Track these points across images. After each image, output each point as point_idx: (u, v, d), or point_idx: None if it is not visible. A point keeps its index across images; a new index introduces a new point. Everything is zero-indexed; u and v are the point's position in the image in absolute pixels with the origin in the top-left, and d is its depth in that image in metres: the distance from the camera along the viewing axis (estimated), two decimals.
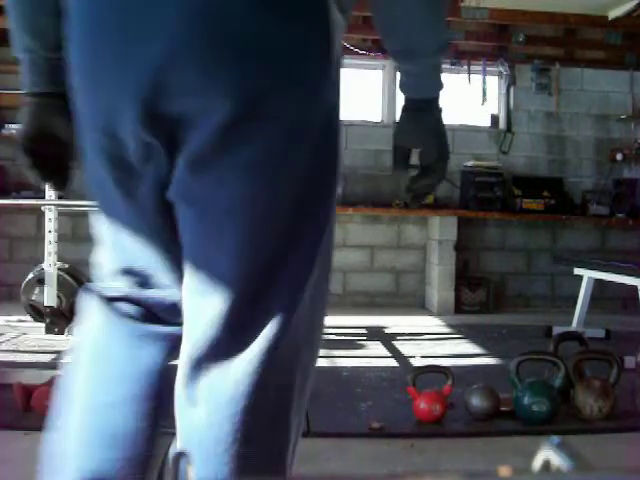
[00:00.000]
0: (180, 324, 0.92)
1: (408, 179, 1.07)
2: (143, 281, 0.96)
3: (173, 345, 0.93)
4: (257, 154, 0.83)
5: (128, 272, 0.96)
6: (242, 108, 0.81)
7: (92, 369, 0.94)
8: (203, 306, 0.87)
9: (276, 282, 0.87)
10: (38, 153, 1.04)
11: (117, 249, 0.97)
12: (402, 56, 1.00)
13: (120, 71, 0.83)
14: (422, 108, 1.02)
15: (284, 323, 0.86)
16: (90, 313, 0.97)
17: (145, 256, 0.94)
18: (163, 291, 0.95)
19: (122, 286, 0.97)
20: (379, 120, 5.62)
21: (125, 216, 0.93)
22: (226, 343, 0.86)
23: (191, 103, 0.82)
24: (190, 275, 0.89)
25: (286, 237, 0.87)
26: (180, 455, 0.51)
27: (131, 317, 0.95)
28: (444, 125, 1.05)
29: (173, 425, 0.90)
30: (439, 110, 1.04)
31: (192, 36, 0.79)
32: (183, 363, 0.89)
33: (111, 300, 0.96)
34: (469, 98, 5.74)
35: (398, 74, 1.04)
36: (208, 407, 0.85)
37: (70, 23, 0.89)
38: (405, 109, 1.04)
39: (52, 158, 1.06)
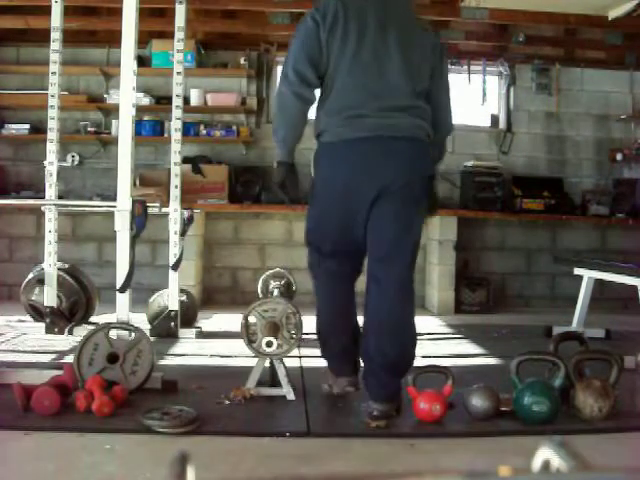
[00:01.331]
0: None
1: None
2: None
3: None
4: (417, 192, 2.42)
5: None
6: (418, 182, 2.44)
7: None
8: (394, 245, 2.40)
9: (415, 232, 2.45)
10: (286, 189, 2.44)
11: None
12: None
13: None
14: (434, 178, 2.58)
15: (416, 246, 2.45)
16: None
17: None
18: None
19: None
20: None
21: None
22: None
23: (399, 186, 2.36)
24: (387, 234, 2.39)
25: (418, 217, 2.46)
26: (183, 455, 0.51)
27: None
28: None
29: None
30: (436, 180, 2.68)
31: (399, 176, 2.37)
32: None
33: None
34: (469, 98, 5.74)
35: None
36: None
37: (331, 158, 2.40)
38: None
39: (291, 191, 2.45)
